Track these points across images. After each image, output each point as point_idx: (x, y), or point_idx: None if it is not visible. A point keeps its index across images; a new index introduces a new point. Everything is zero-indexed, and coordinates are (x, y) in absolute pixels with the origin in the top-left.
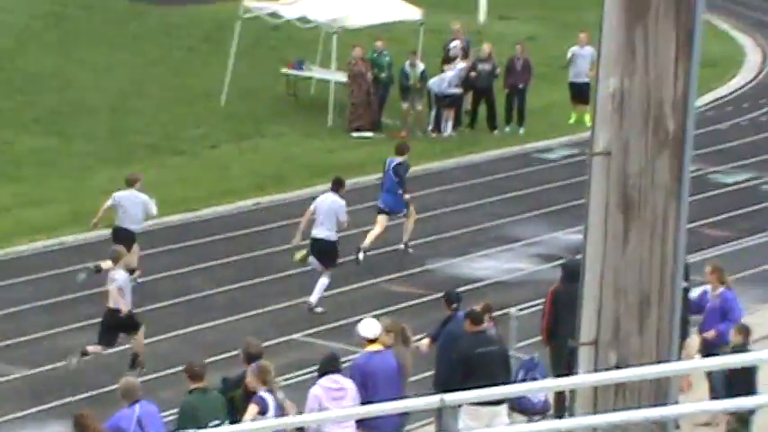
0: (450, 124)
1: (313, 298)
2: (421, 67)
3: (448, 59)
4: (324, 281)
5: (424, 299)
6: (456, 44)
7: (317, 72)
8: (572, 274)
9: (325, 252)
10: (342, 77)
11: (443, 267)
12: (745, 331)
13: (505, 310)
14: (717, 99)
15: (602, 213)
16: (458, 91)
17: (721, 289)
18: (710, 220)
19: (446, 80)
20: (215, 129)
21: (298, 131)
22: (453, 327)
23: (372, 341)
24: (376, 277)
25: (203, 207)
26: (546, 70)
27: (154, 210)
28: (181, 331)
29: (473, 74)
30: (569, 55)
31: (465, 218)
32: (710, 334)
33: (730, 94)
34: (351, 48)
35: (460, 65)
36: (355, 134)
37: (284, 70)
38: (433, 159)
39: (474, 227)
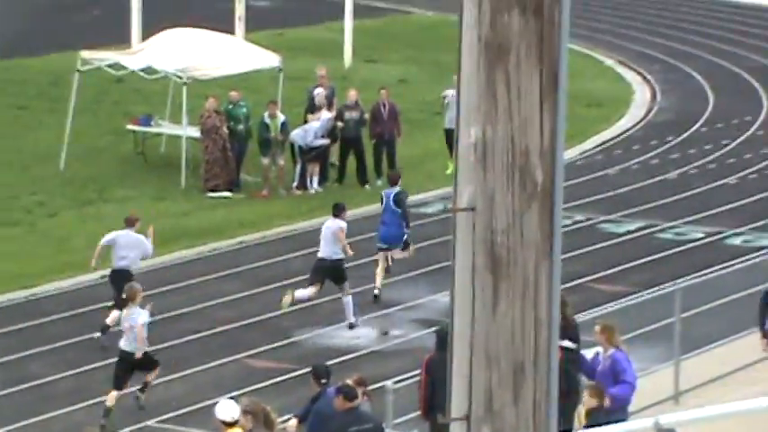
0: (316, 179)
1: (350, 318)
2: (281, 118)
3: (312, 109)
4: (347, 299)
5: (291, 374)
6: (320, 91)
7: (166, 128)
8: (444, 340)
9: (333, 270)
10: (194, 132)
11: (311, 338)
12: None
13: (381, 383)
14: (604, 142)
15: (468, 274)
16: (324, 142)
17: (612, 350)
18: (602, 273)
19: (310, 131)
20: (53, 195)
21: (147, 194)
22: (323, 405)
23: (230, 425)
24: (236, 352)
25: (41, 283)
26: (420, 116)
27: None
28: (19, 424)
29: (340, 123)
30: (444, 99)
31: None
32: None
33: (618, 135)
34: (203, 100)
35: (326, 114)
36: (211, 194)
37: (130, 127)
38: (299, 219)
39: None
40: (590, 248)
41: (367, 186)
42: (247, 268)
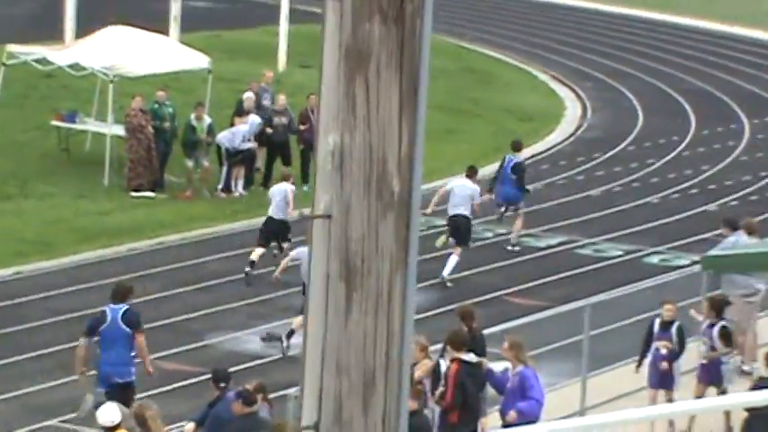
0: (241, 183)
1: (446, 273)
2: (207, 120)
3: (240, 112)
4: (455, 258)
5: (201, 378)
6: (249, 95)
7: (92, 125)
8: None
9: (459, 228)
10: (120, 131)
11: (224, 342)
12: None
13: (285, 391)
14: (533, 156)
15: (323, 283)
16: (251, 146)
17: (520, 367)
18: (520, 287)
19: (238, 135)
20: None
21: (68, 192)
22: (221, 409)
23: (111, 429)
24: (149, 353)
25: None
26: None
27: None
28: None
29: (269, 129)
30: None
31: (250, 287)
32: (511, 416)
33: (547, 150)
34: (131, 98)
35: (255, 118)
36: (134, 194)
37: (54, 123)
38: (221, 222)
39: (259, 297)
40: (509, 262)
41: None
42: (164, 269)
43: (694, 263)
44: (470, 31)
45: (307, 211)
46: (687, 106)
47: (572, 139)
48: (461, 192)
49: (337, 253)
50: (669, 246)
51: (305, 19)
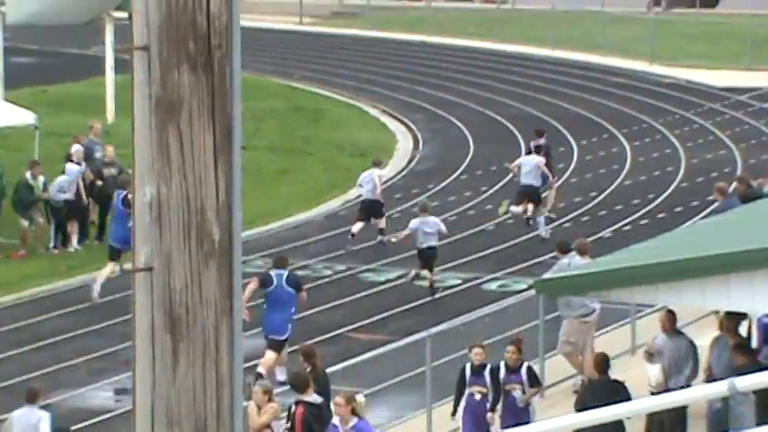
0: (75, 238)
1: (542, 231)
2: (42, 178)
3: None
4: (540, 219)
5: None
6: (78, 148)
7: None
8: None
9: (532, 194)
10: None
11: (65, 401)
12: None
13: None
14: None
15: (148, 335)
16: (66, 197)
17: (354, 420)
18: (362, 323)
19: (56, 185)
20: None
21: None
22: None
23: None
24: None
25: None
26: None
27: None
28: None
29: (99, 181)
30: None
31: (88, 343)
32: None
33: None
34: None
35: (73, 167)
36: None
37: None
38: (57, 279)
39: (99, 352)
40: (350, 298)
41: None
42: (2, 330)
43: (530, 287)
44: (297, 70)
45: (128, 265)
46: (516, 131)
47: (405, 171)
48: (528, 164)
49: (161, 305)
50: (507, 271)
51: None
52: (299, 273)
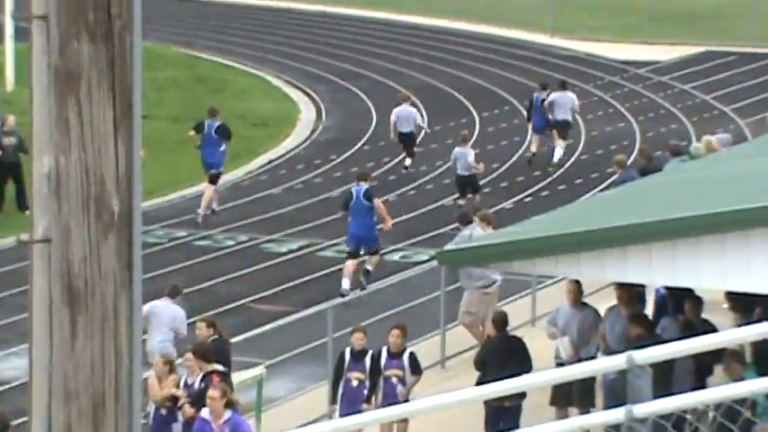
0: None
1: (556, 158)
2: None
3: None
4: (560, 149)
5: None
6: None
7: None
8: None
9: (563, 127)
10: None
11: None
12: None
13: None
14: (269, 162)
15: (46, 308)
16: None
17: (227, 415)
18: (263, 294)
19: None
20: None
21: None
22: None
23: None
24: None
25: None
26: None
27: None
28: None
29: None
30: None
31: None
32: None
33: (284, 155)
34: None
35: None
36: None
37: None
38: None
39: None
40: (252, 269)
41: (27, 212)
42: None
43: (432, 258)
44: (200, 39)
45: (25, 236)
46: (418, 102)
47: (308, 142)
48: (563, 101)
49: (59, 277)
50: (409, 242)
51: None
52: (201, 243)
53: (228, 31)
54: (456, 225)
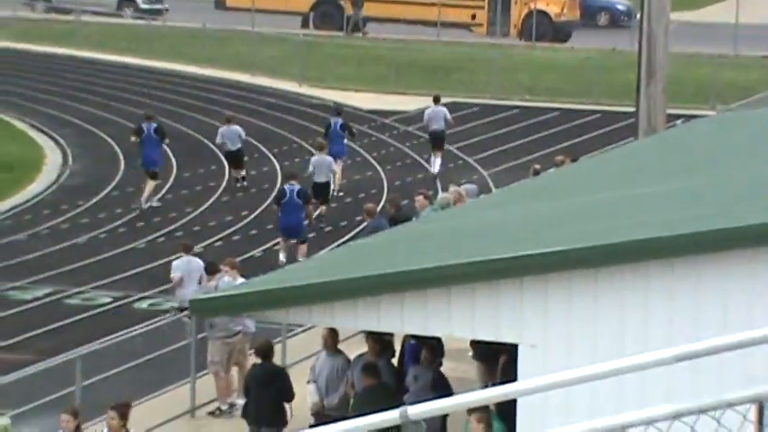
0: None
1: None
2: None
3: None
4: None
5: None
6: None
7: None
8: None
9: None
10: None
11: None
12: None
13: None
14: (15, 207)
15: None
16: None
17: None
18: (8, 342)
19: None
20: None
21: None
22: None
23: None
24: None
25: None
26: None
27: None
28: None
29: None
30: None
31: None
32: None
33: (29, 200)
34: None
35: None
36: None
37: None
38: None
39: None
40: None
41: None
42: None
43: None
44: None
45: None
46: (168, 150)
47: (54, 187)
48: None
49: None
50: (158, 290)
51: None
52: None
53: None
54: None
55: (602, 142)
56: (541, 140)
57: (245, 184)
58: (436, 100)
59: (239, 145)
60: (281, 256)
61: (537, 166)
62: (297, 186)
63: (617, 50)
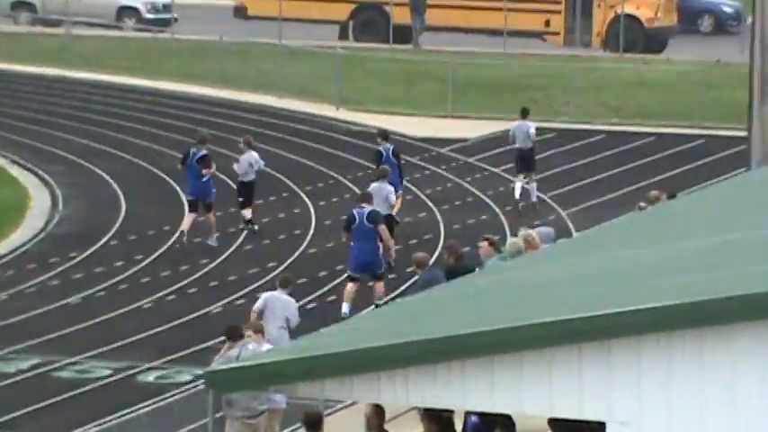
0: None
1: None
2: None
3: None
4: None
5: None
6: None
7: None
8: None
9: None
10: None
11: None
12: None
13: None
14: None
15: None
16: None
17: None
18: None
19: None
20: None
21: None
22: None
23: None
24: None
25: None
26: None
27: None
28: None
29: None
30: None
31: None
32: None
33: (11, 252)
34: None
35: None
36: None
37: None
38: None
39: None
40: None
41: None
42: None
43: (197, 378)
44: None
45: None
46: (176, 186)
47: (41, 236)
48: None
49: None
50: (167, 359)
51: None
52: None
53: None
54: (222, 339)
55: (706, 173)
56: (631, 172)
57: (255, 228)
58: (524, 113)
59: (252, 177)
60: (345, 307)
61: (642, 204)
62: (367, 209)
63: (723, 62)
